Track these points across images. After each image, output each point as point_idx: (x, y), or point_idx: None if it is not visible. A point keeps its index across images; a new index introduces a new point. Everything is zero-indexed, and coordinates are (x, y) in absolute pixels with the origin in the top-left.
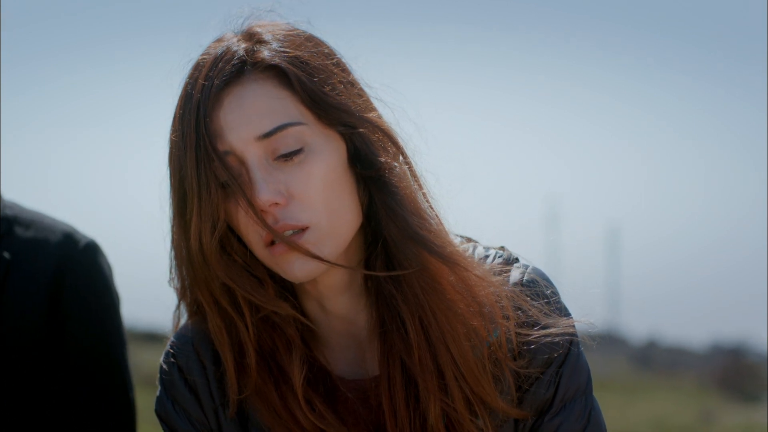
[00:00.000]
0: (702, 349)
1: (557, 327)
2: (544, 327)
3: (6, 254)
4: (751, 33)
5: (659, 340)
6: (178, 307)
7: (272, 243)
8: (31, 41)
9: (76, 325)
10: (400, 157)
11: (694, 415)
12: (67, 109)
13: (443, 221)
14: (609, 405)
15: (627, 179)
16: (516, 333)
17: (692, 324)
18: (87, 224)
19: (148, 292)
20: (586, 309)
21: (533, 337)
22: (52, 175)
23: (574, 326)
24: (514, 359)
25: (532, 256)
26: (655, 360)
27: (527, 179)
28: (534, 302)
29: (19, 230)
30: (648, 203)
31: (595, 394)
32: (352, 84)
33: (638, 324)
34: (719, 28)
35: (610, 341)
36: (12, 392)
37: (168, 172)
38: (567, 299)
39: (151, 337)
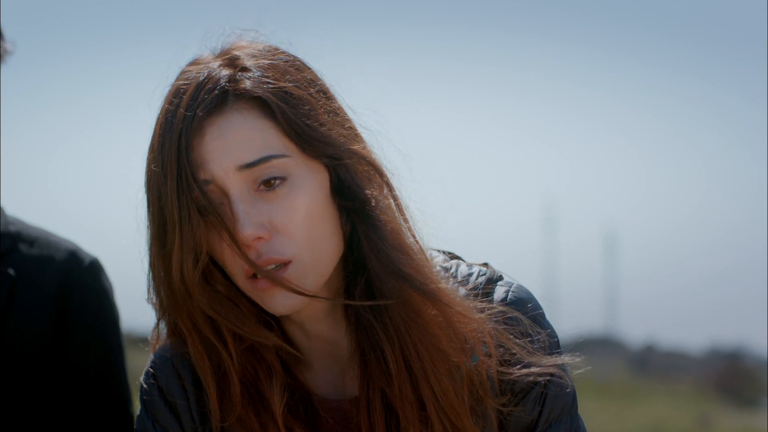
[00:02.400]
0: (700, 353)
1: (540, 366)
2: (527, 365)
3: (11, 271)
4: (751, 32)
5: (657, 344)
6: (157, 325)
7: (254, 276)
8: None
9: (82, 342)
10: (386, 189)
11: (691, 420)
12: (58, 113)
13: (426, 251)
14: (606, 409)
15: (625, 181)
16: (498, 371)
17: (690, 328)
18: (87, 224)
19: (144, 294)
20: (583, 312)
21: (515, 375)
22: (51, 176)
23: (558, 365)
24: (496, 396)
25: (529, 257)
26: (653, 364)
27: (525, 180)
28: (517, 340)
29: (23, 247)
30: (646, 205)
31: (593, 398)
32: (336, 113)
33: (636, 328)
34: (719, 27)
35: (608, 345)
36: (18, 405)
37: (146, 198)
38: (563, 303)
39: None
